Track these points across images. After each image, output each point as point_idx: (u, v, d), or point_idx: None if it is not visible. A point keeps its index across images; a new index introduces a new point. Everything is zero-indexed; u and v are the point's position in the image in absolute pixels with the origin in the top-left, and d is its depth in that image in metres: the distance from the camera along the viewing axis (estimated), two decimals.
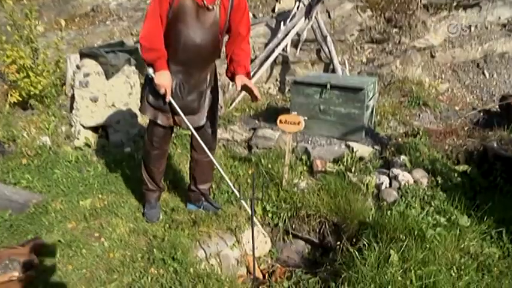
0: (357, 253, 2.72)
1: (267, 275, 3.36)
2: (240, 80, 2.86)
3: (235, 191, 3.09)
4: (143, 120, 4.96)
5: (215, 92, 3.14)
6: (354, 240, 3.15)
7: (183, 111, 3.00)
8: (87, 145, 4.86)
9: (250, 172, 4.17)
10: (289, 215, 3.67)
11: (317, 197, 3.66)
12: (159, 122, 2.99)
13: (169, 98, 2.82)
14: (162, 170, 3.34)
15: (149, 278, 2.71)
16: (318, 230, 3.59)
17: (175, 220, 3.39)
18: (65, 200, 3.66)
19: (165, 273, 2.75)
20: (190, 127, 2.97)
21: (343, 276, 2.57)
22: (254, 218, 3.05)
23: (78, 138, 4.93)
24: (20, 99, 5.41)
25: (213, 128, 3.26)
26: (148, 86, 2.94)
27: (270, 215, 3.68)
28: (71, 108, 5.12)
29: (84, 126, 4.95)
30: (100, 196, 3.75)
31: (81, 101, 4.91)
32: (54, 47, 5.85)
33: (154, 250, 2.92)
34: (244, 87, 2.91)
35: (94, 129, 5.00)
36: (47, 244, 3.05)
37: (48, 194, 3.82)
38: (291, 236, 3.68)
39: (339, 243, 3.21)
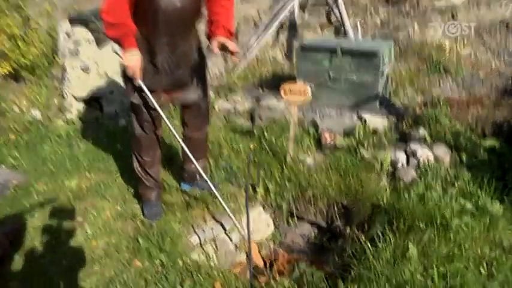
0: (369, 244, 2.31)
1: (268, 262, 2.98)
2: (216, 41, 2.39)
3: (210, 184, 2.70)
4: None
5: (202, 59, 2.68)
6: (366, 226, 2.74)
7: (174, 87, 2.58)
8: (80, 118, 4.47)
9: (252, 147, 3.75)
10: (293, 195, 3.26)
11: (325, 176, 3.23)
12: (149, 104, 2.53)
13: (139, 81, 2.36)
14: (157, 160, 2.90)
15: (132, 272, 2.35)
16: (325, 213, 3.17)
17: (166, 202, 3.01)
18: (50, 180, 3.31)
19: (150, 267, 2.39)
20: (162, 113, 2.52)
21: (353, 273, 2.16)
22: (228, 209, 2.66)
23: (70, 111, 4.54)
24: (12, 70, 5.00)
25: (206, 99, 2.83)
26: None
27: (272, 195, 3.27)
28: (63, 79, 4.70)
29: (76, 98, 4.55)
30: (88, 175, 3.38)
31: (71, 71, 4.50)
32: (46, 14, 5.39)
33: (140, 239, 2.56)
34: (221, 47, 2.44)
35: (87, 101, 4.60)
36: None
37: (34, 172, 3.48)
38: (295, 218, 3.28)
39: (348, 229, 2.80)
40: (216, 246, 2.91)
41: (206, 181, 3.15)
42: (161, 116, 2.54)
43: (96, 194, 3.10)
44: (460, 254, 2.17)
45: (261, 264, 2.93)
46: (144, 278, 2.31)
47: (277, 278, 2.63)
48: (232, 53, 2.42)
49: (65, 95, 4.61)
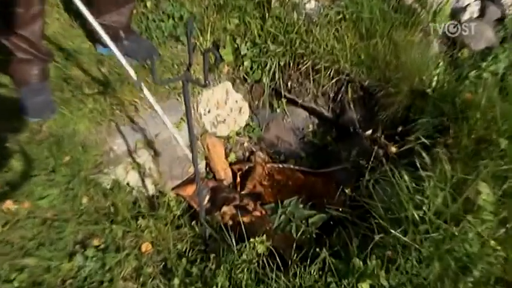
0: (405, 178, 1.38)
1: (240, 174, 2.12)
2: None
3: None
4: None
5: None
6: (399, 130, 1.78)
7: None
8: None
9: None
10: (281, 64, 2.23)
11: (334, 36, 2.13)
12: None
13: None
14: (38, 14, 1.74)
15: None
16: (332, 97, 2.19)
17: (71, 81, 1.98)
18: None
19: (36, 211, 1.50)
20: None
21: (376, 237, 1.27)
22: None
23: None
24: None
25: None
26: None
27: (247, 63, 2.27)
28: None
29: None
30: None
31: None
32: None
33: (17, 163, 1.62)
34: None
35: None
36: None
37: None
38: (284, 101, 2.30)
39: (370, 131, 1.86)
40: (155, 152, 2.02)
41: (136, 40, 2.08)
42: None
43: None
44: None
45: (227, 178, 2.08)
46: (29, 239, 1.43)
47: (251, 207, 1.81)
48: None
49: None
